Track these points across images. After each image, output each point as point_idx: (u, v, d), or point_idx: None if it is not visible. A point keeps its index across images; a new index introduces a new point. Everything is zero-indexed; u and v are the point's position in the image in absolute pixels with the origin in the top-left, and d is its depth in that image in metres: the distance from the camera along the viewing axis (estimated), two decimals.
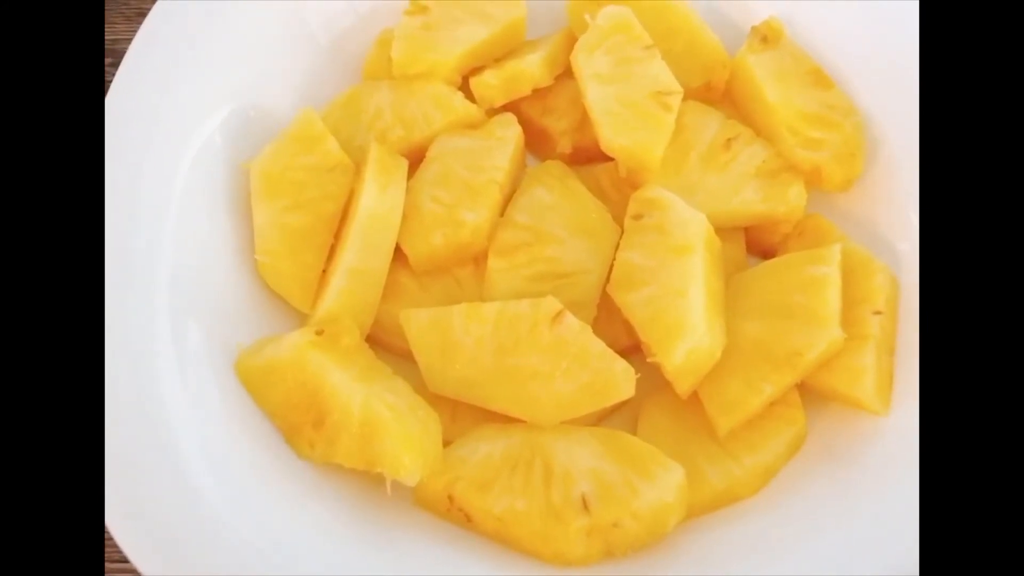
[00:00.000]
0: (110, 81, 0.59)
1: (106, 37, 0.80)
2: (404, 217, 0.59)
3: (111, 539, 0.46)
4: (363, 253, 0.57)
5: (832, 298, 0.53)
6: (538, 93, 0.65)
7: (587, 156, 0.65)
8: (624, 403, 0.53)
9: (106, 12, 0.81)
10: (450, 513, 0.52)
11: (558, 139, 0.66)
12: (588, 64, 0.62)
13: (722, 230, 0.58)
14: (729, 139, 0.62)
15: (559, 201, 0.61)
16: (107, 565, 0.58)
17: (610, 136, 0.59)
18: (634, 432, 0.55)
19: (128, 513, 0.46)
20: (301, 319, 0.59)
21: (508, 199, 0.61)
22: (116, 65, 0.60)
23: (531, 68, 0.64)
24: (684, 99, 0.61)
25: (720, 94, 0.66)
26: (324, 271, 0.58)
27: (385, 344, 0.59)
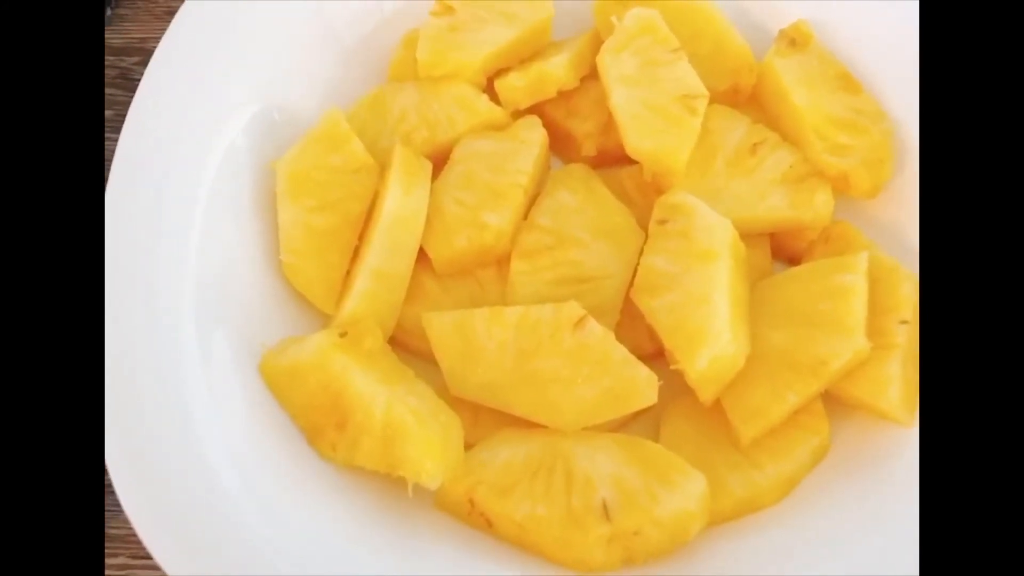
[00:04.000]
0: (138, 80, 0.60)
1: (135, 36, 0.81)
2: (428, 219, 0.59)
3: (136, 538, 0.46)
4: (387, 255, 0.57)
5: (858, 307, 0.53)
6: (563, 95, 0.65)
7: (612, 159, 0.65)
8: (646, 409, 0.53)
9: (135, 11, 0.82)
10: (471, 517, 0.52)
11: (583, 142, 0.65)
12: (614, 66, 0.62)
13: (747, 236, 0.58)
14: (755, 144, 0.61)
15: (583, 204, 0.60)
16: (132, 562, 0.59)
17: (635, 140, 0.59)
18: (656, 439, 0.55)
19: (153, 512, 0.47)
20: (325, 319, 0.59)
21: (532, 202, 0.61)
22: (144, 64, 0.60)
23: (556, 70, 0.63)
24: (710, 103, 0.61)
25: (747, 98, 0.66)
26: (348, 272, 0.58)
27: (407, 346, 0.59)
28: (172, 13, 0.63)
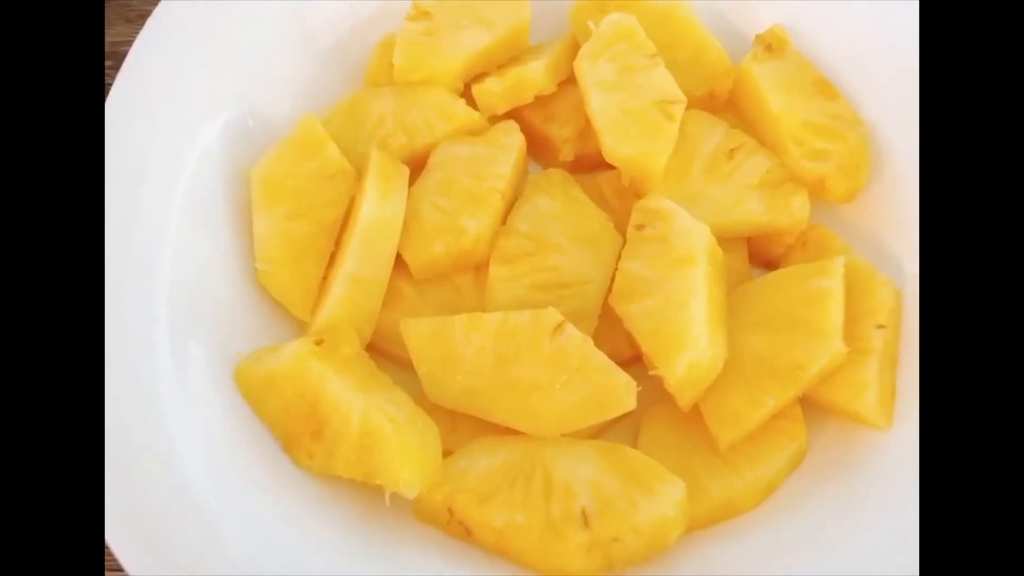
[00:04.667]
0: (110, 84, 0.59)
1: (107, 39, 0.79)
2: (405, 225, 0.58)
3: (108, 550, 0.45)
4: (363, 261, 0.56)
5: (835, 311, 0.53)
6: (541, 100, 0.65)
7: (590, 164, 0.65)
8: (625, 415, 0.52)
9: (108, 14, 0.81)
10: (450, 526, 0.52)
11: (560, 147, 0.65)
12: (591, 72, 0.62)
13: (725, 241, 0.58)
14: (732, 149, 0.61)
15: (561, 210, 0.60)
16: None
17: (613, 145, 0.59)
18: (635, 445, 0.55)
19: (126, 524, 0.46)
20: (301, 327, 0.58)
21: (510, 207, 0.61)
22: (117, 68, 0.59)
23: (534, 75, 0.63)
24: (687, 108, 0.61)
25: (724, 103, 0.66)
26: (324, 279, 0.58)
27: (385, 353, 0.59)
28: (145, 17, 0.62)
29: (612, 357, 0.52)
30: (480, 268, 0.60)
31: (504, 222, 0.60)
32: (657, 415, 0.56)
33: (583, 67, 0.62)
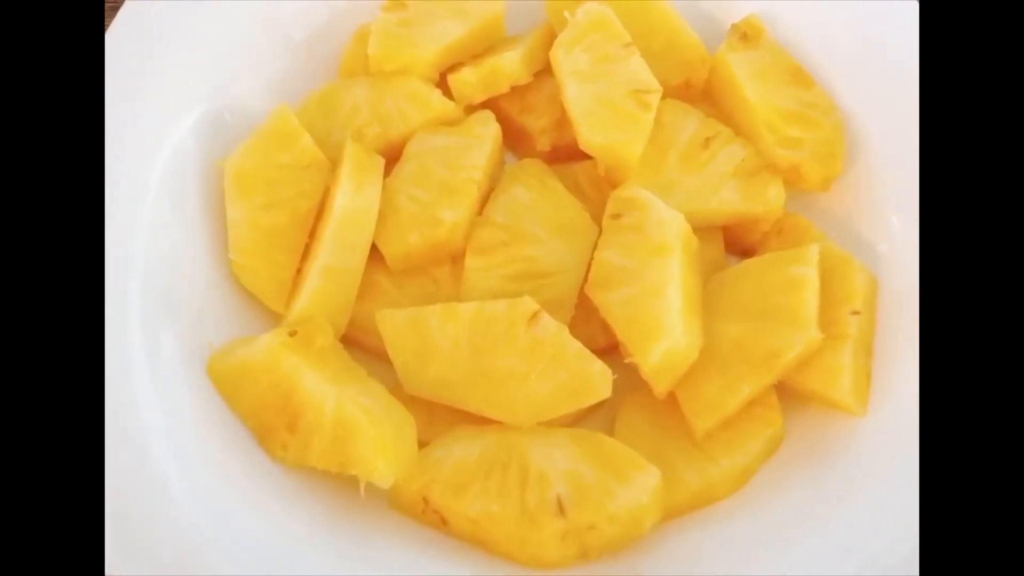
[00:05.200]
0: None
1: None
2: (380, 216, 0.58)
3: None
4: (338, 252, 0.56)
5: (810, 298, 0.53)
6: (517, 90, 0.65)
7: (566, 154, 0.65)
8: (601, 403, 0.52)
9: None
10: (425, 516, 0.51)
11: (537, 137, 0.65)
12: (567, 61, 0.61)
13: (701, 229, 0.58)
14: (708, 138, 0.61)
15: (537, 200, 0.60)
16: None
17: (588, 135, 0.59)
18: (611, 433, 0.55)
19: None
20: (275, 319, 0.58)
21: (486, 197, 0.61)
22: None
23: (510, 65, 0.63)
24: (663, 97, 0.61)
25: (699, 92, 0.66)
26: (299, 270, 0.57)
27: (361, 344, 0.58)
28: (116, 9, 0.61)
29: (588, 346, 0.52)
30: (457, 259, 0.60)
31: (480, 213, 0.60)
32: (633, 403, 0.56)
33: (559, 57, 0.62)
